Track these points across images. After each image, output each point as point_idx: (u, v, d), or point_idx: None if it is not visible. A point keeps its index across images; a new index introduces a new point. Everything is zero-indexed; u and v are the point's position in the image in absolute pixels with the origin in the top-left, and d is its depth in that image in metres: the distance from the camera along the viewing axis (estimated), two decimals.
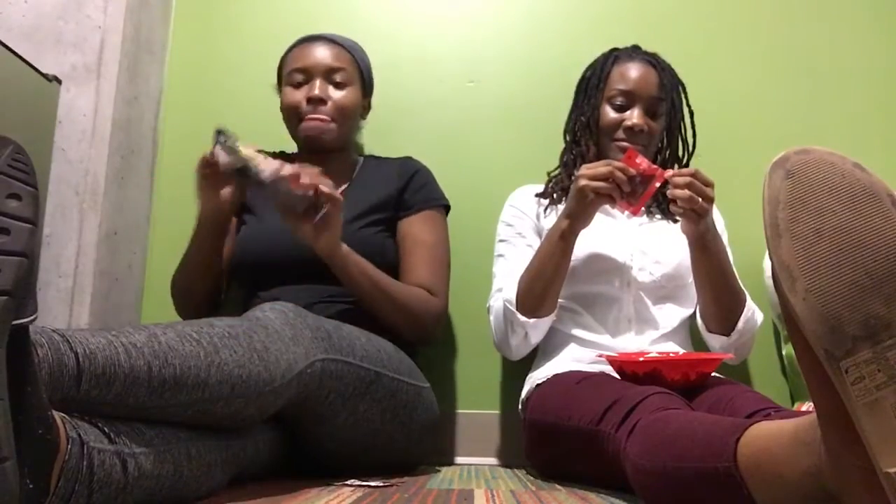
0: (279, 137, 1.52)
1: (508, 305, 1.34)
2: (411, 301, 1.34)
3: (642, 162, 1.26)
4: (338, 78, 1.43)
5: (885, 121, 1.79)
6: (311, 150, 1.45)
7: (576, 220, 1.26)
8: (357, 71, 1.48)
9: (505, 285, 1.39)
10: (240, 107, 1.74)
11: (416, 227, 1.43)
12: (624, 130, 1.40)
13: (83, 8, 1.56)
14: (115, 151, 1.55)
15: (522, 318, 1.32)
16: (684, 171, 1.23)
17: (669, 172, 1.25)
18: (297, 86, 1.43)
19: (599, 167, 1.24)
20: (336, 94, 1.43)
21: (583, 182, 1.24)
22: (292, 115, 1.44)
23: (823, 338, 0.56)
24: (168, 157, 1.76)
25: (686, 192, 1.21)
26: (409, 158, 1.53)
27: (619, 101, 1.41)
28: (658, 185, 1.25)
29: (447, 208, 1.51)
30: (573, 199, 1.26)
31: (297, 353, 0.99)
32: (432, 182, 1.50)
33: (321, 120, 1.41)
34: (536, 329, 1.35)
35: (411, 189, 1.46)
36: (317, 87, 1.41)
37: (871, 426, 0.54)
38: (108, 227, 1.53)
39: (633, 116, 1.39)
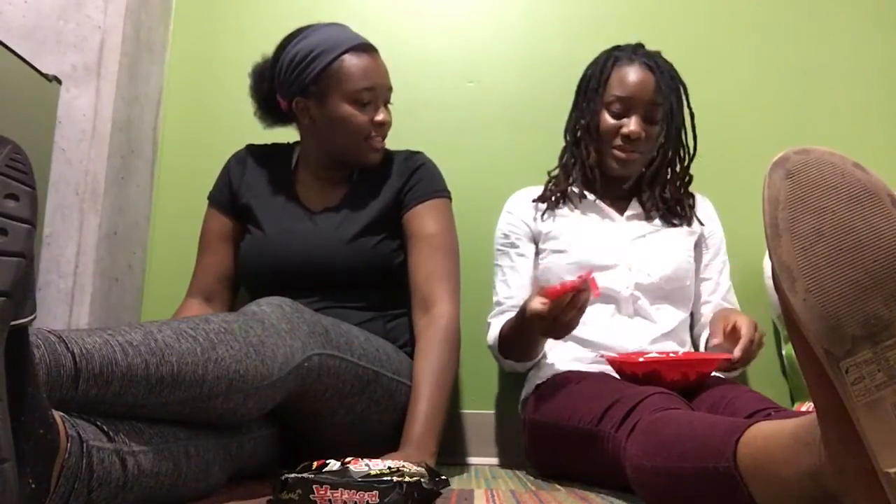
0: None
1: (494, 349, 1.42)
2: (451, 358, 1.25)
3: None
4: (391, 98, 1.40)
5: (885, 120, 1.78)
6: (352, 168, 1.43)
7: (532, 332, 1.23)
8: None
9: (502, 301, 1.45)
10: (240, 107, 1.73)
11: (416, 221, 1.36)
12: (622, 138, 1.41)
13: (83, 8, 1.56)
14: (115, 151, 1.55)
15: (508, 361, 1.40)
16: (745, 340, 1.18)
17: (736, 353, 1.18)
18: (364, 105, 1.34)
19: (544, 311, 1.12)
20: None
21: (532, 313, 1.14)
22: (356, 134, 1.36)
23: (823, 338, 0.56)
24: (168, 157, 1.76)
25: (756, 354, 1.21)
26: (410, 156, 1.43)
27: (616, 107, 1.41)
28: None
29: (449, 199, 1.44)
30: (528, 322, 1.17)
31: (293, 347, 0.98)
32: (432, 175, 1.42)
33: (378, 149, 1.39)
34: (524, 365, 1.41)
35: (410, 185, 1.39)
36: (381, 112, 1.36)
37: (871, 426, 0.54)
38: (108, 227, 1.53)
39: (631, 124, 1.39)
